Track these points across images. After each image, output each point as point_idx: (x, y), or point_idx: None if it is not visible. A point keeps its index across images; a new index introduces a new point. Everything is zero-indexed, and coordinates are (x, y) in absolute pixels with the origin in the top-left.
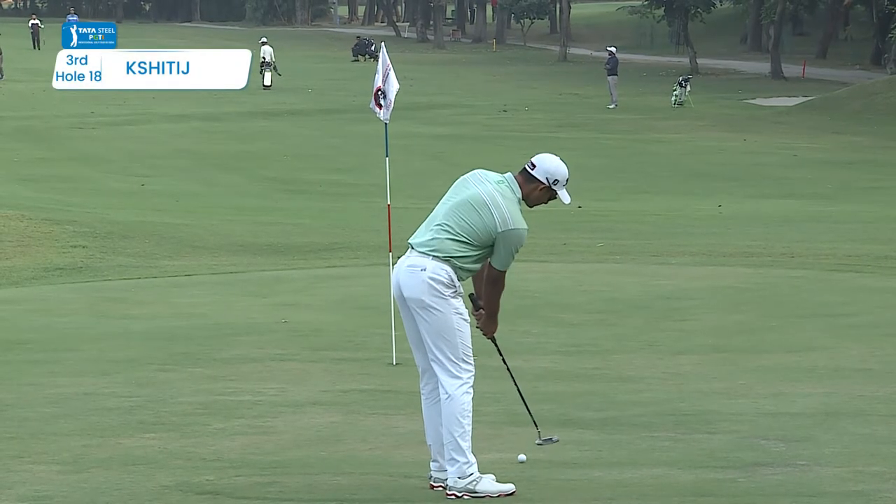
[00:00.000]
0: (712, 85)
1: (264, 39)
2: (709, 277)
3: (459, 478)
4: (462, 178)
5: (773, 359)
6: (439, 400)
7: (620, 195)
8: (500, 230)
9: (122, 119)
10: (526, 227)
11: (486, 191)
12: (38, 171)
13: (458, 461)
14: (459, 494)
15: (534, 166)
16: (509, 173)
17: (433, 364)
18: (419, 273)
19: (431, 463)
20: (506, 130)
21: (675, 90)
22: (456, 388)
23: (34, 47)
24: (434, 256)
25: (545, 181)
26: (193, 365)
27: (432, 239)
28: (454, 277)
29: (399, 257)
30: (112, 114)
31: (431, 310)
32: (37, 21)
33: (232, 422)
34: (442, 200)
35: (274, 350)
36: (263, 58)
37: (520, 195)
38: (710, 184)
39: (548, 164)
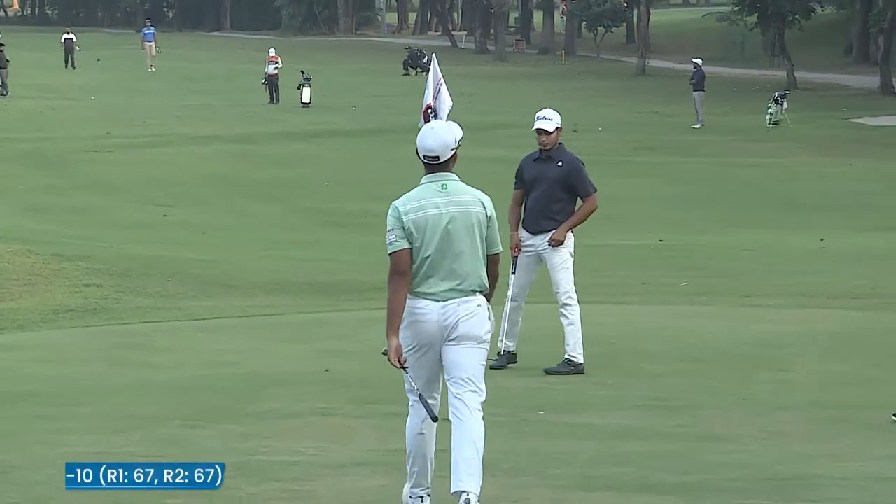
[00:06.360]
0: (812, 102)
1: (272, 51)
2: (810, 321)
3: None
4: (426, 221)
5: (885, 415)
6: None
7: (707, 228)
8: (489, 214)
9: (142, 141)
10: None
11: (457, 210)
12: (47, 201)
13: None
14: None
15: (437, 157)
16: (434, 175)
17: (466, 390)
18: (476, 309)
19: (422, 491)
20: (576, 153)
21: (769, 108)
22: (479, 415)
23: (67, 65)
24: (480, 291)
25: (454, 150)
26: (223, 420)
27: (467, 276)
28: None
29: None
30: (130, 135)
31: (484, 343)
32: (71, 36)
33: (266, 485)
34: (425, 244)
35: (314, 403)
36: (267, 73)
37: (456, 178)
38: (811, 215)
39: (445, 138)
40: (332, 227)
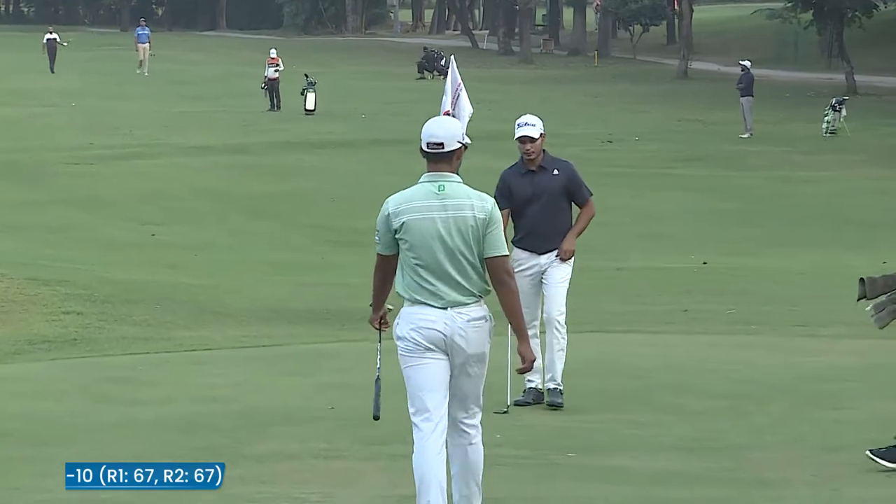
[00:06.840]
0: (874, 108)
1: (273, 52)
2: (870, 353)
3: None
4: (416, 225)
5: None
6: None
7: (756, 248)
8: (487, 217)
9: (129, 152)
10: (491, 197)
11: (452, 214)
12: (22, 218)
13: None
14: None
15: (441, 145)
16: (433, 175)
17: (469, 415)
18: (484, 324)
19: None
20: (610, 165)
21: (826, 115)
22: (479, 436)
23: (51, 69)
24: (481, 296)
25: (460, 144)
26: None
27: (465, 282)
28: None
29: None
30: (116, 145)
31: (486, 357)
32: (55, 36)
33: None
34: (416, 250)
35: (317, 444)
36: (267, 76)
37: (458, 179)
38: (871, 234)
39: (452, 129)
40: (337, 248)
